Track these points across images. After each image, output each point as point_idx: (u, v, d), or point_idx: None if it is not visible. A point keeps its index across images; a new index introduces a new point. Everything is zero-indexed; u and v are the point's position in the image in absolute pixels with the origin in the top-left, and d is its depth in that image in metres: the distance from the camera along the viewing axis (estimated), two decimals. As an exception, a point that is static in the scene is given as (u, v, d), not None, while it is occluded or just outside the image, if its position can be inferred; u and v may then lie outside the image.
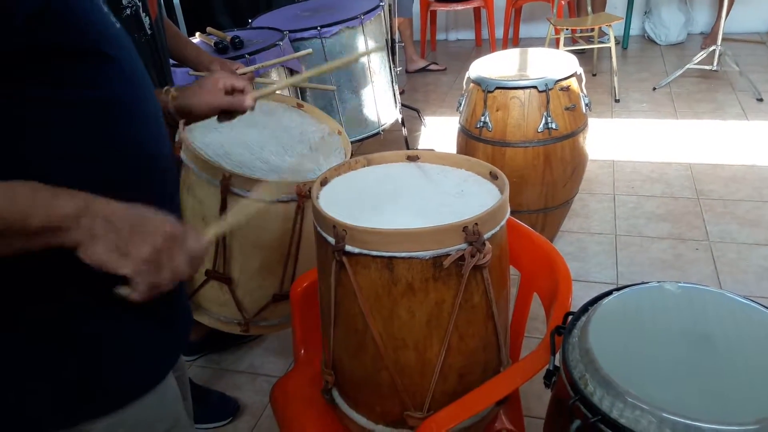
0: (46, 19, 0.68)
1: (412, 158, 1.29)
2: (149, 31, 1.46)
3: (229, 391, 2.01)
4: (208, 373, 2.14)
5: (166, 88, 1.16)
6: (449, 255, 1.01)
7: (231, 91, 1.18)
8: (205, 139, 1.53)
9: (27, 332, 0.78)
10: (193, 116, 1.18)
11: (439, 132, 3.74)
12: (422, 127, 3.82)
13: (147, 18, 1.45)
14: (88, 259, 0.70)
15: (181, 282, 0.94)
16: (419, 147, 3.62)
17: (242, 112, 1.20)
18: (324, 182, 1.21)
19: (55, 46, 0.70)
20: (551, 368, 1.02)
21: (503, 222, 1.09)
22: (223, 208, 1.43)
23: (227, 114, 1.21)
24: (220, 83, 1.16)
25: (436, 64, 4.72)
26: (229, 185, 1.39)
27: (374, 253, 1.01)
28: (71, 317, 0.81)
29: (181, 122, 1.51)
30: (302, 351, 1.48)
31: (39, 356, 0.80)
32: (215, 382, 2.09)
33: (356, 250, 1.02)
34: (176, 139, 1.51)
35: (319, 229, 1.10)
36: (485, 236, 1.02)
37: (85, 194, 0.71)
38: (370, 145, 3.19)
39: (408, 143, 3.41)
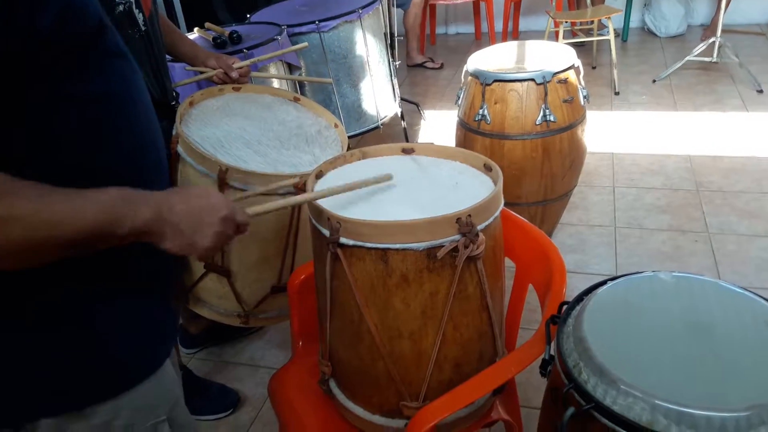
0: (67, 19, 0.71)
1: (407, 151, 1.30)
2: (143, 28, 1.46)
3: (230, 383, 2.03)
4: (208, 366, 2.15)
5: None
6: (443, 246, 1.01)
7: None
8: (202, 132, 1.54)
9: (29, 317, 0.80)
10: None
11: (439, 126, 3.74)
12: (422, 120, 3.82)
13: (140, 14, 1.45)
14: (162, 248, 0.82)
15: (176, 271, 0.97)
16: (419, 141, 3.62)
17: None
18: (319, 175, 1.21)
19: (72, 43, 0.73)
20: (546, 357, 1.03)
21: (497, 213, 1.10)
22: (221, 201, 1.44)
23: None
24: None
25: (433, 61, 4.70)
26: (225, 178, 1.40)
27: (369, 245, 1.02)
28: (73, 302, 0.82)
29: (178, 116, 1.52)
30: (300, 343, 1.49)
31: (41, 341, 0.81)
32: (216, 374, 2.11)
33: (351, 242, 1.03)
34: (173, 133, 1.51)
35: (314, 221, 1.11)
36: (479, 227, 1.03)
37: (155, 197, 0.80)
38: (370, 138, 3.19)
39: (407, 137, 3.42)
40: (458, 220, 1.01)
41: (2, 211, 0.66)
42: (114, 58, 0.81)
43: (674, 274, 1.07)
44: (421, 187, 1.19)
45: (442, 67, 4.68)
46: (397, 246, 1.01)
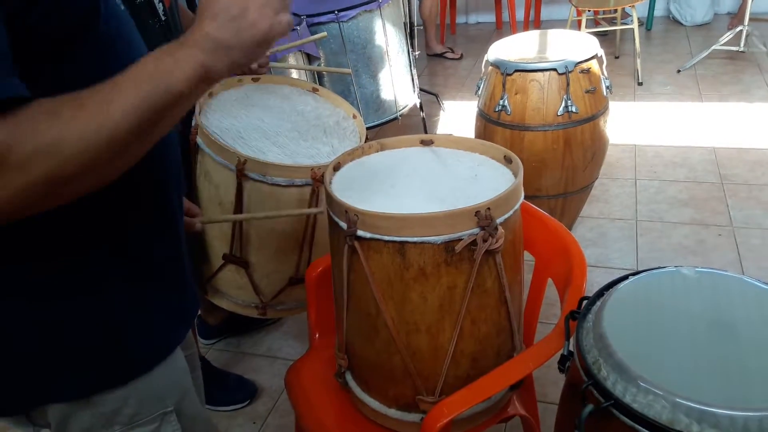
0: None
1: (425, 143, 1.29)
2: (163, 18, 1.46)
3: (248, 374, 2.04)
4: (226, 357, 2.17)
5: None
6: (461, 240, 1.00)
7: None
8: (221, 124, 1.54)
9: (40, 300, 0.80)
10: None
11: (459, 117, 3.71)
12: (441, 111, 3.79)
13: (161, 4, 1.45)
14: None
15: (185, 256, 0.95)
16: (438, 132, 3.60)
17: None
18: (337, 167, 1.21)
19: (74, 24, 0.71)
20: (565, 353, 1.01)
21: (517, 206, 1.08)
22: (239, 192, 1.44)
23: None
24: None
25: (453, 51, 4.66)
26: (244, 170, 1.40)
27: (386, 237, 1.01)
28: (84, 285, 0.82)
29: (197, 107, 1.52)
30: (317, 335, 1.49)
31: (52, 325, 0.81)
32: (234, 365, 2.12)
33: (368, 235, 1.02)
34: (192, 124, 1.52)
35: (331, 213, 1.10)
36: (498, 221, 1.01)
37: (188, 38, 0.71)
38: (388, 129, 3.18)
39: (426, 128, 3.39)
40: (477, 213, 1.00)
41: (53, 133, 0.62)
42: (116, 43, 0.79)
43: (697, 269, 1.04)
44: (440, 179, 1.17)
45: (461, 57, 4.64)
46: (415, 239, 1.01)
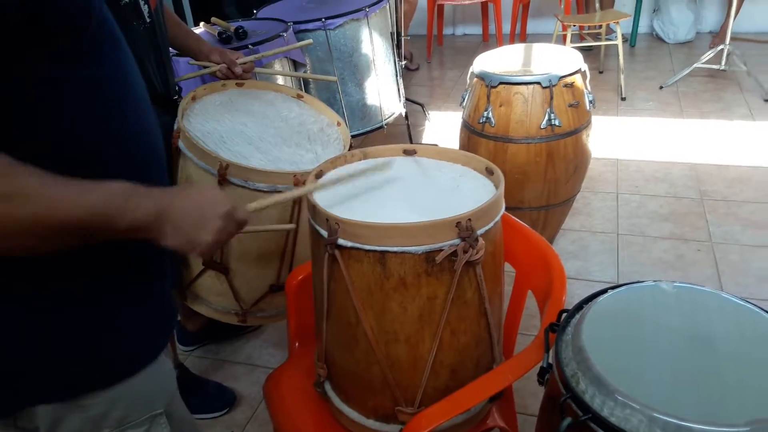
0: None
1: (408, 152, 1.28)
2: (148, 20, 1.45)
3: (227, 382, 2.02)
4: (205, 364, 2.14)
5: None
6: (442, 250, 1.00)
7: None
8: (204, 128, 1.53)
9: (27, 303, 0.80)
10: None
11: (443, 127, 3.72)
12: (426, 121, 3.81)
13: (146, 6, 1.44)
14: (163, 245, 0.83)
15: (168, 262, 0.97)
16: (423, 141, 3.61)
17: None
18: (319, 175, 1.20)
19: (56, 25, 0.72)
20: (545, 365, 1.01)
21: (497, 218, 1.08)
22: (220, 198, 1.43)
23: None
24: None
25: (410, 61, 4.67)
26: (226, 175, 1.39)
27: (367, 247, 1.01)
28: (70, 289, 0.82)
29: (180, 111, 1.51)
30: (296, 344, 1.47)
31: (38, 327, 0.81)
32: (212, 372, 2.10)
33: (349, 244, 1.02)
34: (175, 128, 1.50)
35: (312, 221, 1.10)
36: (478, 232, 1.01)
37: (156, 195, 0.80)
38: (373, 138, 3.18)
39: (411, 137, 3.40)
40: (458, 224, 0.99)
41: (7, 188, 0.67)
42: (105, 44, 0.81)
43: (675, 284, 1.05)
44: (422, 189, 1.17)
45: (418, 69, 4.71)
46: (396, 249, 1.00)
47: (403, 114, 3.22)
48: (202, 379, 2.00)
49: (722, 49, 3.80)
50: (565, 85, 2.18)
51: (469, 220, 1.00)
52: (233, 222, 0.90)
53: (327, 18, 2.62)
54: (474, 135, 2.33)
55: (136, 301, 0.91)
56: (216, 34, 2.47)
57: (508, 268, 1.28)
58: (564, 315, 1.04)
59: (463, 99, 2.43)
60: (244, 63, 1.77)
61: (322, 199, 1.10)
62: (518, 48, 2.51)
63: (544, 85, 2.16)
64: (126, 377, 0.89)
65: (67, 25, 0.73)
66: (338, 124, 1.68)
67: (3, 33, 0.67)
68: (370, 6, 2.70)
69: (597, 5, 4.28)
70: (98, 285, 0.85)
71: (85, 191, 0.73)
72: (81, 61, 0.76)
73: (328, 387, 1.27)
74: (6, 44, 0.68)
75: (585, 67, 2.27)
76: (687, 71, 3.91)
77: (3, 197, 0.67)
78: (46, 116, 0.74)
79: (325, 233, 1.04)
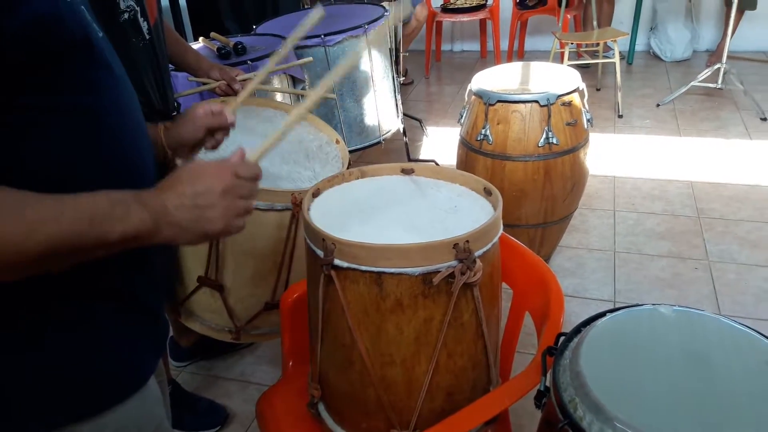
0: (40, 28, 0.68)
1: (406, 171, 1.28)
2: (147, 36, 1.45)
3: (219, 399, 2.00)
4: (198, 380, 2.12)
5: (159, 123, 1.17)
6: (439, 272, 0.99)
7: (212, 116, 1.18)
8: (201, 145, 1.52)
9: (10, 332, 0.78)
10: (183, 143, 1.18)
11: (441, 143, 3.73)
12: (424, 137, 3.81)
13: (145, 23, 1.44)
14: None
15: (161, 286, 0.95)
16: (421, 157, 3.61)
17: (226, 128, 1.19)
18: (316, 193, 1.20)
19: (49, 53, 0.70)
20: (542, 389, 1.00)
21: (495, 239, 1.08)
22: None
23: (212, 136, 1.19)
24: (201, 109, 1.16)
25: (406, 76, 4.73)
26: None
27: (363, 267, 1.00)
28: (55, 315, 0.80)
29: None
30: (290, 363, 1.46)
31: (23, 357, 0.79)
32: (205, 389, 2.08)
33: (345, 264, 1.01)
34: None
35: (308, 241, 1.09)
36: (476, 254, 1.01)
37: (145, 200, 0.75)
38: (371, 153, 3.18)
39: (409, 153, 3.40)
40: (455, 245, 0.99)
41: None
42: (99, 71, 0.79)
43: (674, 308, 1.04)
44: (420, 209, 1.17)
45: (412, 83, 4.77)
46: (392, 270, 0.99)
47: (401, 130, 3.22)
48: (194, 395, 1.98)
49: (719, 68, 3.82)
50: (563, 104, 2.19)
51: (467, 241, 0.99)
52: (239, 190, 0.83)
53: (326, 34, 2.63)
54: (472, 152, 2.33)
55: (127, 327, 0.88)
56: (215, 49, 2.47)
57: (505, 287, 1.27)
58: (562, 338, 1.03)
59: (461, 116, 2.43)
60: (244, 80, 1.77)
61: (319, 218, 1.09)
62: (516, 66, 2.52)
63: (542, 103, 2.16)
64: (114, 404, 0.87)
65: (54, 55, 0.71)
66: (337, 141, 1.68)
67: None
68: (369, 23, 2.71)
69: (594, 23, 4.31)
70: (83, 311, 0.83)
71: (61, 208, 0.68)
72: (66, 88, 0.74)
73: (321, 408, 1.25)
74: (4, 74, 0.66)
75: (583, 85, 2.28)
76: (684, 89, 3.93)
77: None
78: (34, 144, 0.72)
79: (321, 253, 1.03)
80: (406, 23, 4.42)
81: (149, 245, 0.77)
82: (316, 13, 1.03)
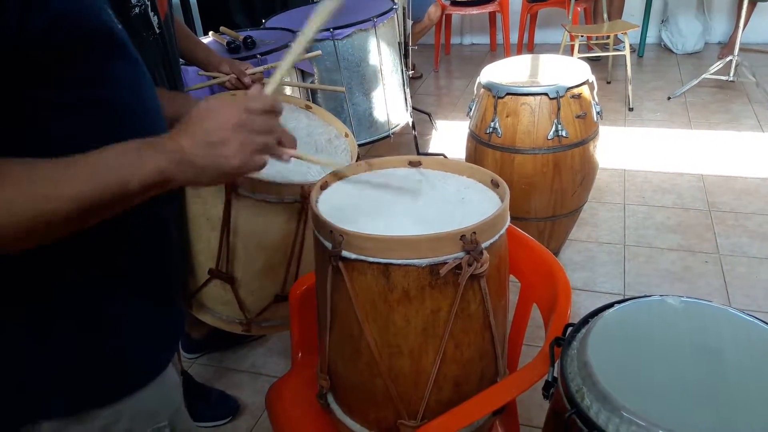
0: (66, 23, 0.69)
1: (414, 164, 1.28)
2: (158, 30, 1.46)
3: (230, 390, 2.02)
4: (209, 372, 2.14)
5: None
6: (446, 263, 1.00)
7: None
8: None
9: (31, 318, 0.79)
10: None
11: (450, 136, 3.73)
12: (433, 130, 3.81)
13: (156, 17, 1.45)
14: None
15: (176, 275, 0.96)
16: (429, 151, 3.61)
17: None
18: (324, 186, 1.20)
19: (73, 48, 0.71)
20: (549, 380, 1.01)
21: (502, 231, 1.08)
22: (227, 208, 1.43)
23: None
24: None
25: (414, 70, 4.69)
26: (234, 185, 1.39)
27: (371, 259, 1.00)
28: (75, 303, 0.82)
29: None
30: (300, 354, 1.47)
31: (43, 342, 0.80)
32: (216, 380, 2.10)
33: (353, 256, 1.02)
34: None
35: (317, 233, 1.10)
36: (483, 245, 1.01)
37: (160, 143, 0.75)
38: (380, 147, 3.19)
39: (418, 147, 3.41)
40: (462, 237, 0.99)
41: None
42: (122, 65, 0.80)
43: (683, 299, 1.04)
44: (427, 201, 1.17)
45: (421, 77, 4.75)
46: (400, 261, 1.00)
47: (410, 123, 3.22)
48: (206, 386, 2.00)
49: (731, 60, 3.79)
50: (573, 96, 2.18)
51: (474, 233, 0.99)
52: (253, 123, 0.80)
53: (335, 28, 2.64)
54: (481, 145, 2.33)
55: (143, 313, 0.90)
56: (225, 43, 2.49)
57: (513, 279, 1.27)
58: (569, 329, 1.03)
59: (470, 109, 2.43)
60: (254, 73, 1.78)
61: (327, 210, 1.10)
62: (525, 59, 2.51)
63: (551, 96, 2.16)
64: (134, 391, 0.88)
65: (78, 49, 0.72)
66: (346, 135, 1.68)
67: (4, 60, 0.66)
68: (378, 16, 2.71)
69: (605, 16, 4.28)
70: (102, 297, 0.84)
71: (74, 168, 0.69)
72: (90, 82, 0.75)
73: (330, 399, 1.26)
74: (8, 70, 0.67)
75: (592, 78, 2.27)
76: (695, 82, 3.90)
77: None
78: (59, 136, 0.74)
79: (329, 245, 1.04)
80: (417, 21, 4.42)
81: (171, 188, 0.76)
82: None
